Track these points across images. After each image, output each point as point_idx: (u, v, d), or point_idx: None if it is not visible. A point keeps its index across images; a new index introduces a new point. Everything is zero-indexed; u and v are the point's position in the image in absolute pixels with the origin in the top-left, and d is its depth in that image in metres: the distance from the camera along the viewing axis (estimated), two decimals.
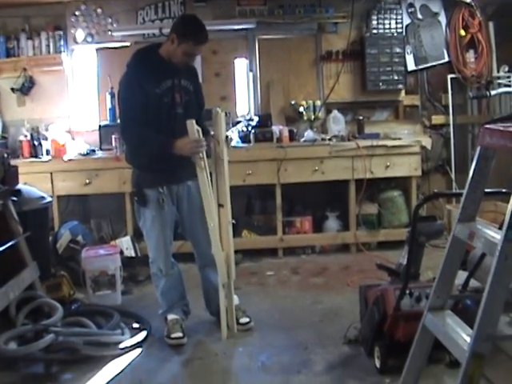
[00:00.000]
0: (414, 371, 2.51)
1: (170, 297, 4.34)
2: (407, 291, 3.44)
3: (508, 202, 2.09)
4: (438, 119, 6.77)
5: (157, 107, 4.02)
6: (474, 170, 2.31)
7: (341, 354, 3.89)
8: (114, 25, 6.55)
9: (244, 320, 4.38)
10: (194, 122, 3.96)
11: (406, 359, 2.53)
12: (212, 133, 4.17)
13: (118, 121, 4.31)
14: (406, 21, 6.64)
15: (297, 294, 5.08)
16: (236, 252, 5.83)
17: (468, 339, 2.06)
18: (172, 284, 4.33)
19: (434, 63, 6.69)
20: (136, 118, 3.97)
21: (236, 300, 4.44)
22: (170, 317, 4.29)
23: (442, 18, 6.67)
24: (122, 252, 5.52)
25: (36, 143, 6.20)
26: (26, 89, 6.49)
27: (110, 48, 6.57)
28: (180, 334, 4.19)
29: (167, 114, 4.07)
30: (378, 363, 3.58)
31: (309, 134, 6.28)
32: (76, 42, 6.56)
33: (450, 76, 6.61)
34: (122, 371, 3.80)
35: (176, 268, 4.39)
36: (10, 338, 3.77)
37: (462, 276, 3.41)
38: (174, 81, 4.09)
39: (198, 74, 4.47)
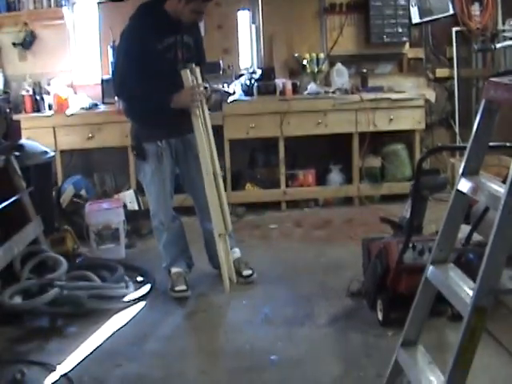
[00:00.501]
0: (417, 324, 2.50)
1: (173, 250, 4.35)
2: (410, 244, 3.44)
3: None
4: (442, 72, 6.69)
5: (158, 64, 3.97)
6: (478, 123, 2.27)
7: (344, 306, 3.91)
8: None
9: (246, 272, 4.39)
10: (188, 71, 3.94)
11: (408, 312, 2.53)
12: (221, 87, 4.15)
13: (111, 73, 4.23)
14: None
15: (300, 247, 5.09)
16: (239, 205, 5.91)
17: (470, 293, 2.04)
18: (174, 237, 4.33)
19: (438, 16, 6.56)
20: (134, 73, 3.92)
21: (238, 253, 4.47)
22: (174, 270, 4.31)
23: None
24: (125, 206, 5.51)
25: (38, 98, 6.16)
26: (27, 43, 6.40)
27: (111, 1, 6.45)
28: (184, 287, 4.20)
29: (168, 70, 4.01)
30: (380, 316, 3.60)
31: (312, 86, 6.23)
32: None
33: (454, 29, 6.50)
34: (126, 324, 3.82)
35: (178, 221, 4.39)
36: (14, 292, 3.78)
37: (464, 230, 3.40)
38: (177, 37, 4.03)
39: (201, 26, 4.41)
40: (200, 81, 4.07)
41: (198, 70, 4.08)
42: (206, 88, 4.17)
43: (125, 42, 3.98)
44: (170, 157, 4.18)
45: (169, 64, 4.02)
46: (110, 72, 6.32)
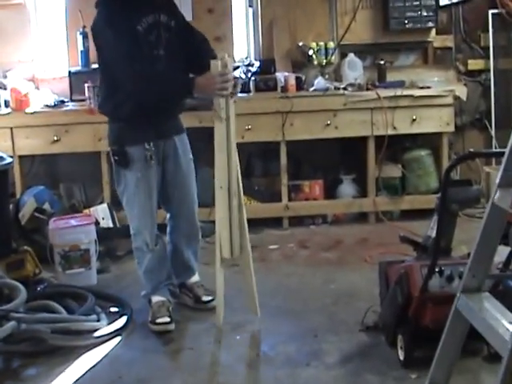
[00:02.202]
0: (446, 365, 2.50)
1: (156, 276, 4.35)
2: (436, 269, 3.43)
3: None
4: (475, 64, 6.72)
5: (139, 47, 3.96)
6: None
7: (357, 343, 3.90)
8: None
9: (206, 298, 4.46)
10: (218, 62, 3.90)
11: (435, 350, 2.52)
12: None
13: (98, 71, 4.24)
14: None
15: (305, 272, 5.08)
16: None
17: (510, 327, 2.04)
18: (158, 260, 4.34)
19: None
20: (137, 58, 3.90)
21: (196, 276, 4.57)
22: (155, 299, 4.30)
23: None
24: (97, 222, 5.51)
25: None
26: None
27: None
28: (167, 319, 4.20)
29: (149, 55, 4.01)
30: (401, 354, 3.58)
31: (319, 81, 6.24)
32: None
33: (491, 11, 6.54)
34: (97, 364, 3.79)
35: (161, 241, 4.40)
36: None
37: (502, 252, 3.39)
38: (156, 16, 4.04)
39: (188, 9, 4.42)
40: (231, 69, 4.00)
41: (230, 60, 4.01)
42: (235, 78, 4.10)
43: (108, 33, 3.94)
44: (157, 163, 4.18)
45: (149, 48, 4.01)
46: (80, 63, 6.38)
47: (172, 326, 4.18)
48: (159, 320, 4.19)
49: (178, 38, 4.18)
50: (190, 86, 3.93)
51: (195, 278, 4.57)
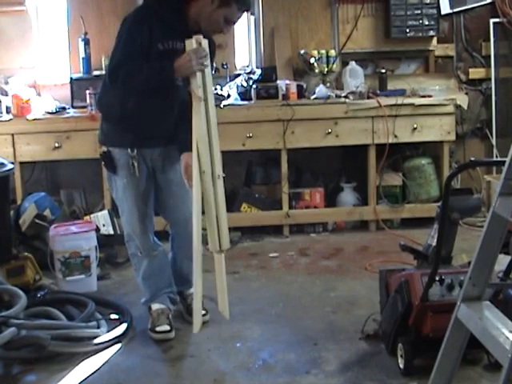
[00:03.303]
0: (446, 373, 2.50)
1: (154, 282, 4.34)
2: (437, 277, 3.43)
3: None
4: (476, 73, 6.73)
5: (144, 57, 3.90)
6: None
7: (357, 351, 3.89)
8: None
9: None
10: (193, 40, 3.82)
11: (435, 359, 2.52)
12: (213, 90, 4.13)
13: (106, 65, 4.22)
14: None
15: (305, 280, 5.09)
16: (234, 229, 5.90)
17: (511, 336, 2.04)
18: (156, 267, 4.33)
19: (473, 5, 6.62)
20: (132, 58, 3.85)
21: (192, 289, 4.42)
22: (155, 306, 4.29)
23: None
24: (97, 229, 5.50)
25: None
26: None
27: None
28: (167, 327, 4.19)
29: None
30: (401, 363, 3.58)
31: (321, 89, 6.25)
32: None
33: (492, 20, 6.55)
34: (96, 371, 3.78)
35: (160, 248, 4.38)
36: None
37: (503, 261, 3.39)
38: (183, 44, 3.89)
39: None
40: (205, 46, 3.86)
41: (205, 41, 3.88)
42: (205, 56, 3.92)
43: (127, 27, 3.91)
44: (145, 169, 4.15)
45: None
46: (82, 70, 6.38)
47: (172, 335, 4.17)
48: (159, 328, 4.18)
49: None
50: (169, 70, 3.83)
51: (191, 291, 4.42)
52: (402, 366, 3.57)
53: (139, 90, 3.94)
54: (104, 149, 4.17)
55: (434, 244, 3.51)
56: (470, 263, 2.58)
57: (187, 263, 4.26)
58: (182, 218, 4.28)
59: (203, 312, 4.34)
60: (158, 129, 4.10)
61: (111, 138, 4.14)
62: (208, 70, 3.86)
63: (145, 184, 4.18)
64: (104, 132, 4.21)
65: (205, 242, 4.03)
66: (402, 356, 3.58)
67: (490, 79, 6.65)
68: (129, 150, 4.07)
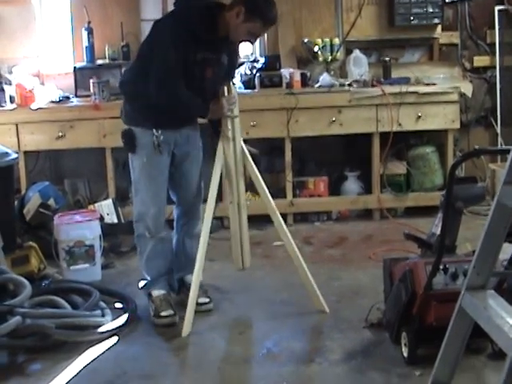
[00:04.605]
0: (449, 363, 2.50)
1: (156, 265, 4.37)
2: (441, 266, 3.43)
3: None
4: (481, 61, 6.71)
5: (184, 71, 4.06)
6: None
7: (361, 340, 3.90)
8: None
9: (202, 300, 4.38)
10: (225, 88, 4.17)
11: (439, 348, 2.52)
12: None
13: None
14: None
15: (309, 269, 5.05)
16: None
17: None
18: (160, 250, 4.35)
19: None
20: (175, 77, 4.01)
21: (200, 275, 4.46)
22: (156, 293, 4.33)
23: None
24: (101, 218, 5.51)
25: None
26: None
27: None
28: (171, 312, 4.22)
29: (190, 86, 4.09)
30: (405, 352, 3.58)
31: (325, 78, 6.24)
32: None
33: (497, 8, 6.53)
34: (101, 360, 3.80)
35: (166, 233, 4.43)
36: None
37: (507, 249, 3.38)
38: (215, 55, 4.15)
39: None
40: (234, 92, 4.23)
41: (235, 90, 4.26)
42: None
43: (166, 40, 4.01)
44: (166, 152, 4.22)
45: (193, 79, 4.10)
46: (85, 59, 6.37)
47: (176, 318, 4.20)
48: (163, 313, 4.20)
49: (224, 72, 4.30)
50: (205, 112, 4.15)
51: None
52: (405, 354, 3.57)
53: (176, 110, 4.17)
54: (125, 127, 4.24)
55: (438, 233, 3.50)
56: (474, 252, 2.58)
57: (191, 243, 4.41)
58: (191, 196, 4.42)
59: (207, 300, 4.40)
60: (186, 118, 4.30)
61: (135, 118, 4.20)
62: (236, 112, 4.24)
63: (163, 166, 4.25)
64: (128, 112, 4.27)
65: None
66: (405, 345, 3.58)
67: (494, 67, 6.62)
68: (154, 130, 4.15)
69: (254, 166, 4.32)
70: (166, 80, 3.99)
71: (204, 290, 4.47)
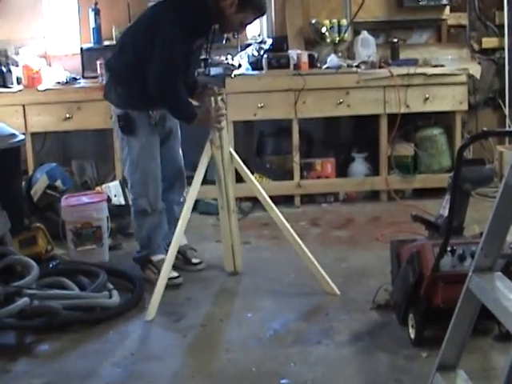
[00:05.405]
0: (457, 344, 2.49)
1: (156, 237, 4.56)
2: (448, 248, 3.42)
3: None
4: (489, 42, 6.68)
5: (183, 64, 4.24)
6: None
7: (368, 321, 3.90)
8: None
9: (195, 260, 4.73)
10: (215, 89, 4.28)
11: (446, 330, 2.51)
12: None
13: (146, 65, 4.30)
14: None
15: (316, 250, 5.06)
16: (245, 200, 5.90)
17: None
18: (158, 223, 4.55)
19: None
20: (178, 74, 4.15)
21: (184, 240, 4.70)
22: (157, 258, 4.49)
23: None
24: (109, 199, 5.51)
25: (4, 70, 6.13)
26: None
27: None
28: (175, 273, 4.38)
29: (184, 69, 4.27)
30: (412, 333, 3.58)
31: (332, 59, 6.22)
32: None
33: None
34: (108, 341, 3.81)
35: (163, 205, 4.58)
36: None
37: None
38: (208, 40, 4.38)
39: None
40: (222, 104, 4.32)
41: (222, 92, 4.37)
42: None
43: (173, 37, 4.09)
44: (160, 132, 4.44)
45: (188, 65, 4.32)
46: (92, 40, 6.36)
47: (181, 280, 4.41)
48: (169, 275, 4.27)
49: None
50: (192, 118, 4.25)
51: (184, 241, 4.68)
52: (412, 336, 3.58)
53: (169, 108, 4.31)
54: (120, 111, 4.34)
55: (446, 215, 3.50)
56: (481, 234, 2.57)
57: (179, 209, 4.51)
58: (176, 169, 4.65)
59: (198, 260, 4.72)
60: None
61: (130, 101, 4.31)
62: (224, 124, 4.33)
63: (158, 142, 4.44)
64: (121, 96, 4.35)
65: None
66: (412, 326, 3.58)
67: (503, 49, 6.59)
68: (150, 111, 4.31)
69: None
70: (168, 79, 4.11)
71: (194, 250, 4.78)
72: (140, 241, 4.61)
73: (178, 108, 4.28)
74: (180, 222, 4.19)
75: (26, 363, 3.59)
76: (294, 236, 4.37)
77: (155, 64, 4.11)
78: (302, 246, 4.33)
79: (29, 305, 3.78)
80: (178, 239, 4.19)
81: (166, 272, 4.13)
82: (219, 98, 4.28)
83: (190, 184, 4.32)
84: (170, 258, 4.14)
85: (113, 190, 5.86)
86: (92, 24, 6.36)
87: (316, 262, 4.30)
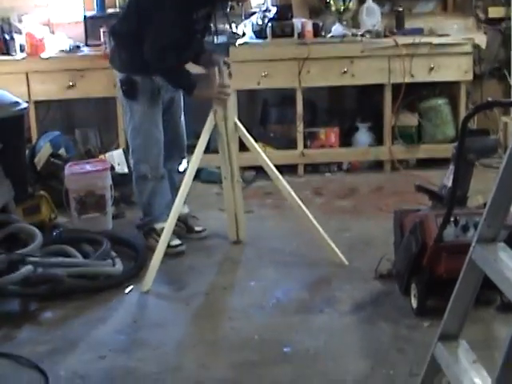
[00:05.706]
0: (459, 314, 2.49)
1: (158, 203, 4.54)
2: (452, 218, 3.42)
3: None
4: (495, 11, 6.61)
5: (186, 35, 4.21)
6: None
7: (371, 291, 3.92)
8: None
9: (198, 228, 4.77)
10: (216, 68, 4.24)
11: (448, 300, 2.51)
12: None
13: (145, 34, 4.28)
14: None
15: (320, 220, 5.04)
16: (248, 169, 5.89)
17: None
18: (160, 189, 4.54)
19: None
20: (174, 43, 4.12)
21: (186, 208, 4.70)
22: (160, 225, 4.43)
23: None
24: (112, 168, 5.51)
25: (7, 37, 6.09)
26: None
27: None
28: (178, 241, 4.42)
29: (188, 41, 4.27)
30: (414, 303, 3.60)
31: (337, 28, 6.18)
32: None
33: None
34: (112, 308, 3.84)
35: (165, 172, 4.59)
36: None
37: None
38: (213, 10, 4.33)
39: None
40: (228, 81, 4.29)
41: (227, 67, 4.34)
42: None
43: (174, 6, 4.09)
44: (166, 95, 4.42)
45: (194, 34, 4.27)
46: (96, 7, 6.32)
47: (183, 247, 4.43)
48: (172, 243, 4.33)
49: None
50: (190, 90, 4.26)
51: (185, 210, 4.67)
52: (414, 305, 3.59)
53: (168, 79, 4.30)
54: (123, 75, 4.34)
55: (450, 185, 3.50)
56: (485, 204, 2.57)
57: (179, 177, 4.52)
58: (176, 137, 4.65)
59: (201, 228, 4.76)
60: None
61: (132, 66, 4.29)
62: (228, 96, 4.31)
63: (160, 109, 4.44)
64: (123, 60, 4.36)
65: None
66: (415, 296, 3.59)
67: (509, 18, 6.53)
68: (154, 77, 4.29)
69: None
70: (166, 54, 4.11)
71: (196, 219, 4.82)
72: (141, 206, 4.63)
73: (172, 78, 4.28)
74: (182, 188, 4.19)
75: (30, 330, 3.62)
76: (300, 205, 4.34)
77: (151, 32, 4.10)
78: (309, 215, 4.32)
79: (32, 272, 3.80)
80: (179, 206, 4.19)
81: (166, 239, 4.13)
82: (226, 70, 4.26)
83: (192, 153, 4.31)
84: (169, 224, 4.14)
85: (116, 158, 5.85)
86: None
87: (323, 232, 4.29)
